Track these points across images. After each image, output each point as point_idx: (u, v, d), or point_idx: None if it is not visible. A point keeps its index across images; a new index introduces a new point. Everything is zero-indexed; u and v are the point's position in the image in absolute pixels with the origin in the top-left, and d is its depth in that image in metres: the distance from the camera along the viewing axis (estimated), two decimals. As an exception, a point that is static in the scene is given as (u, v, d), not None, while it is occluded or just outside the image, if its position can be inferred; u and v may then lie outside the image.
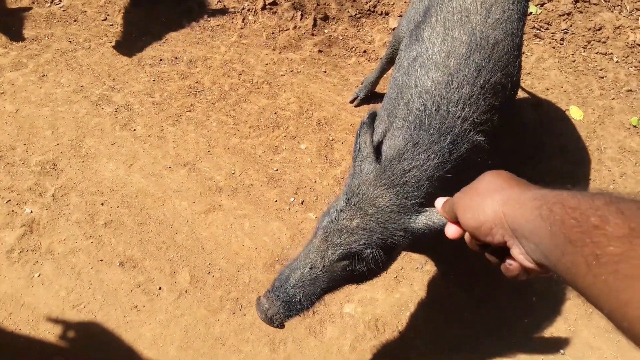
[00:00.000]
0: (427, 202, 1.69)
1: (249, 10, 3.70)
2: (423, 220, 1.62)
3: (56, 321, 2.34)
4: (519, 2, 2.23)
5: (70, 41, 3.38)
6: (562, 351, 2.40)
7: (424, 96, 1.92)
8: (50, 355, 2.26)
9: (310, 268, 1.66)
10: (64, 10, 3.55)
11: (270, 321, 1.66)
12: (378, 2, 3.86)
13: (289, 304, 1.67)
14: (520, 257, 0.80)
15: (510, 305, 2.55)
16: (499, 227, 0.80)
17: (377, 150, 1.78)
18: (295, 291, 1.67)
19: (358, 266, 1.68)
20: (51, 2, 3.58)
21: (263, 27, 3.63)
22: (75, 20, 3.51)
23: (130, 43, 3.39)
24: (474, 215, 0.85)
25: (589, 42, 3.78)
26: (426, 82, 1.96)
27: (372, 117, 1.73)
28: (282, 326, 1.70)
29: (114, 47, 3.35)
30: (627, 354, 2.43)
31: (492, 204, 0.81)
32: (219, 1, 3.71)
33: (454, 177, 1.80)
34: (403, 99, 1.99)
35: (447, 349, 2.43)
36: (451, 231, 0.99)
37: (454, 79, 1.94)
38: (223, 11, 3.66)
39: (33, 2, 3.56)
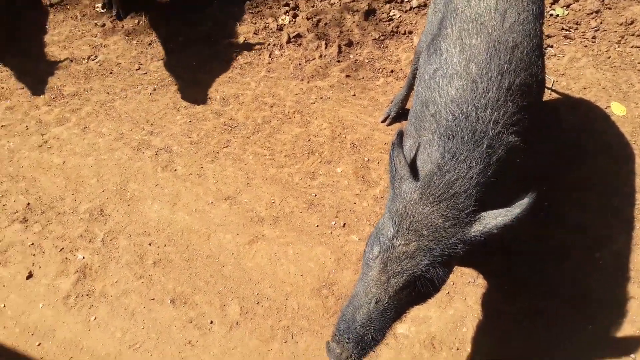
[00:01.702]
0: (479, 208, 1.69)
1: (274, 45, 3.83)
2: (478, 228, 1.62)
3: (114, 362, 2.41)
4: (533, 3, 2.24)
5: (108, 92, 3.57)
6: (632, 355, 2.29)
7: (450, 106, 1.93)
8: (110, 397, 2.32)
9: (376, 302, 1.64)
10: (100, 65, 3.76)
11: None
12: (400, 22, 3.93)
13: (361, 343, 1.65)
14: None
15: (570, 314, 2.46)
16: None
17: (413, 167, 1.80)
18: (365, 330, 1.65)
19: (423, 289, 1.67)
20: (88, 59, 3.81)
21: (290, 60, 3.74)
22: (111, 73, 3.71)
23: (165, 89, 3.56)
24: None
25: (622, 37, 3.72)
26: (450, 91, 1.98)
27: (400, 135, 1.75)
28: None
29: (150, 93, 3.52)
30: None
31: None
32: (246, 40, 3.86)
33: (499, 179, 1.79)
34: (429, 111, 2.00)
35: (509, 363, 2.35)
36: None
37: (479, 85, 1.95)
38: (250, 48, 3.80)
39: (71, 61, 3.79)
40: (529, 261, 2.61)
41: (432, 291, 1.72)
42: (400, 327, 2.45)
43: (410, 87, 3.19)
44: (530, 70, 2.11)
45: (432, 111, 1.98)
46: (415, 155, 1.86)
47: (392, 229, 1.64)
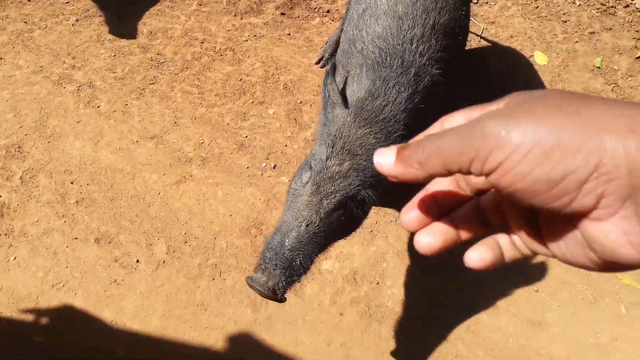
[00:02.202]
0: (408, 134, 1.72)
1: (206, -23, 3.62)
2: None
3: (36, 301, 2.35)
4: None
5: (26, 22, 3.29)
6: (535, 288, 2.48)
7: (376, 41, 1.95)
8: (31, 336, 2.28)
9: (307, 225, 1.55)
10: (15, -10, 3.44)
11: (273, 293, 1.51)
12: (338, -40, 3.80)
13: (289, 269, 1.53)
14: (611, 235, 0.46)
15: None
16: (603, 181, 0.45)
17: (343, 96, 1.80)
18: (294, 254, 1.55)
19: (355, 211, 1.63)
20: (1, -17, 3.46)
21: (222, -6, 3.56)
22: (29, 0, 3.40)
23: (88, 20, 3.31)
24: (564, 157, 0.45)
25: (551, -13, 3.78)
26: (377, 29, 1.99)
27: (334, 66, 1.73)
28: (284, 299, 1.55)
29: (72, 25, 3.27)
30: (597, 286, 2.52)
31: (617, 140, 0.44)
32: (176, -30, 3.62)
33: (424, 107, 1.83)
34: (356, 47, 2.00)
35: (424, 298, 2.49)
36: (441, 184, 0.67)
37: (404, 22, 1.98)
38: (180, -20, 3.58)
39: (-18, -16, 3.44)
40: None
41: (361, 215, 1.71)
42: (325, 264, 2.52)
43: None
44: (453, 14, 2.13)
45: (359, 47, 1.98)
46: (344, 87, 1.86)
47: (325, 151, 1.61)
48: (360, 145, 1.61)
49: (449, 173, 0.52)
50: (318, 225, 1.57)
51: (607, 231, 0.47)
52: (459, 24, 2.20)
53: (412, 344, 2.39)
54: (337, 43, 3.22)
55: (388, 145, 1.63)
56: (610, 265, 0.49)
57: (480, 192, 0.64)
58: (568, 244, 0.52)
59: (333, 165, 1.59)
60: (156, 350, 2.30)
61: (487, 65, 3.29)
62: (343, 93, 1.78)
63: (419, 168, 0.53)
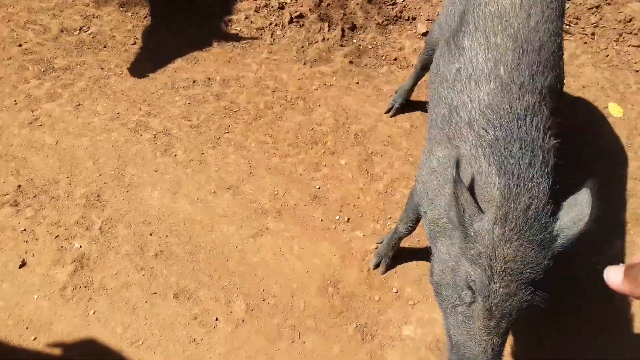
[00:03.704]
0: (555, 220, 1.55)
1: (276, 25, 3.54)
2: (561, 242, 1.46)
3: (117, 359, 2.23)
4: (557, 0, 2.07)
5: (102, 68, 3.25)
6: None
7: (487, 113, 1.76)
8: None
9: (492, 349, 1.48)
10: (92, 37, 3.41)
11: None
12: (404, 7, 3.69)
13: None
14: None
15: (574, 320, 2.40)
16: None
17: (472, 193, 1.61)
18: None
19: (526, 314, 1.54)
20: (80, 30, 3.44)
21: (292, 42, 3.47)
22: (104, 46, 3.37)
23: (163, 66, 3.26)
24: None
25: (620, 35, 3.58)
26: (482, 96, 1.81)
27: (458, 165, 1.55)
28: None
29: (148, 71, 3.22)
30: None
31: None
32: (246, 17, 3.55)
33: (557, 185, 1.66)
34: (462, 118, 1.83)
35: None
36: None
37: (512, 89, 1.79)
38: (251, 27, 3.51)
39: (62, 31, 3.42)
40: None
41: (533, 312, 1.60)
42: (406, 329, 2.34)
43: (417, 79, 2.99)
44: (555, 72, 1.96)
45: (466, 118, 1.80)
46: (458, 168, 1.66)
47: (485, 276, 1.44)
48: (520, 260, 1.43)
49: None
50: (500, 344, 1.49)
51: None
52: (559, 81, 2.04)
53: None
54: (407, 93, 3.08)
55: (547, 251, 1.48)
56: None
57: None
58: None
59: (500, 288, 1.42)
60: (236, 416, 2.15)
61: (562, 118, 3.10)
62: (471, 188, 1.58)
63: None
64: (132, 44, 3.38)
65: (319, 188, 2.80)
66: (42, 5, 3.56)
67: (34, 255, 2.51)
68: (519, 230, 1.47)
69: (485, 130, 1.73)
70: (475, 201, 1.53)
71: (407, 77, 3.24)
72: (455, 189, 1.50)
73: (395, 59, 3.44)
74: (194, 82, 3.19)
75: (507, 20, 1.93)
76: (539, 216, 1.49)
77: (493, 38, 1.91)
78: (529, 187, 1.55)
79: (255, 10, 3.60)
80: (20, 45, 3.34)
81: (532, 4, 1.96)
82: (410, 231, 2.33)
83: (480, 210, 1.52)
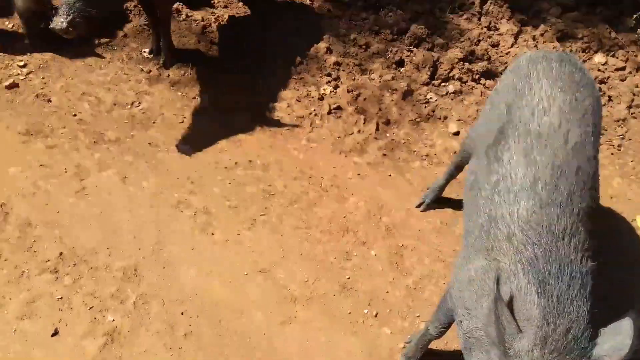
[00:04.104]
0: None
1: (315, 114, 3.74)
2: None
3: None
4: (594, 124, 2.18)
5: (150, 143, 3.42)
6: None
7: (526, 229, 1.82)
8: None
9: None
10: (143, 113, 3.62)
11: None
12: (436, 106, 3.88)
13: None
14: None
15: None
16: None
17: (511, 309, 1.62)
18: None
19: None
20: (132, 104, 3.67)
21: (330, 131, 3.64)
22: (154, 123, 3.57)
23: (208, 146, 3.42)
24: None
25: (646, 149, 3.70)
26: (520, 211, 1.88)
27: (498, 281, 1.60)
28: None
29: (193, 149, 3.39)
30: None
31: None
32: (289, 106, 3.76)
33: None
34: (501, 230, 1.89)
35: None
36: None
37: (551, 209, 1.85)
38: (292, 115, 3.70)
39: (115, 105, 3.65)
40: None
41: None
42: None
43: (449, 178, 3.09)
44: (591, 193, 2.03)
45: (505, 232, 1.86)
46: (498, 285, 1.69)
47: None
48: None
49: None
50: None
51: None
52: (595, 202, 2.10)
53: None
54: (439, 190, 3.18)
55: None
56: None
57: None
58: None
59: None
60: None
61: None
62: (510, 303, 1.63)
63: None
64: (180, 122, 3.58)
65: (349, 278, 2.84)
66: (99, 78, 3.82)
67: (67, 325, 2.54)
68: (558, 353, 1.49)
69: (525, 247, 1.79)
70: (515, 320, 1.56)
71: (440, 174, 3.36)
72: (495, 307, 1.54)
73: (427, 155, 3.57)
74: (235, 163, 3.33)
75: (546, 141, 2.03)
76: (579, 340, 1.52)
77: (532, 156, 2.00)
78: (569, 309, 1.58)
79: (297, 100, 3.81)
80: (75, 115, 3.55)
81: (571, 127, 2.06)
82: (440, 334, 2.33)
83: (519, 330, 1.54)
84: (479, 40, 4.32)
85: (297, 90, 3.89)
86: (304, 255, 2.92)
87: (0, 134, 3.36)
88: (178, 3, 4.27)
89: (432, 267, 2.92)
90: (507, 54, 4.23)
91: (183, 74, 3.90)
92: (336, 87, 3.93)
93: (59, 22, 2.69)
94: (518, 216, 1.87)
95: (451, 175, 3.08)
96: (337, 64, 4.05)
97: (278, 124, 3.62)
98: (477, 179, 2.23)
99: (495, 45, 4.33)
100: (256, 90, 3.83)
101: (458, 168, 2.99)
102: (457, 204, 3.22)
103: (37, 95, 3.64)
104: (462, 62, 4.09)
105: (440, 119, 3.82)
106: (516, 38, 4.36)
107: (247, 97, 3.78)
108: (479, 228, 2.04)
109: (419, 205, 3.23)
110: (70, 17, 2.67)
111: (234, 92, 3.81)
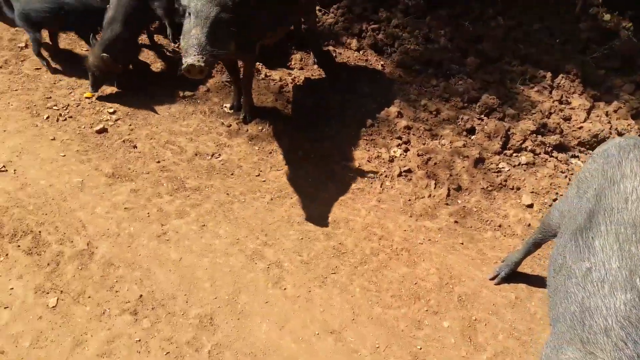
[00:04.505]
0: None
1: (386, 175, 3.79)
2: None
3: None
4: None
5: (227, 193, 3.54)
6: None
7: (626, 325, 1.75)
8: None
9: None
10: (222, 164, 3.78)
11: None
12: (509, 176, 3.86)
13: None
14: None
15: None
16: None
17: None
18: None
19: None
20: (212, 155, 3.83)
21: (400, 194, 3.67)
22: (232, 174, 3.71)
23: (281, 200, 3.51)
24: None
25: None
26: (618, 305, 1.80)
27: None
28: None
29: (267, 202, 3.48)
30: None
31: None
32: (360, 165, 3.83)
33: None
34: (597, 323, 1.81)
35: None
36: None
37: None
38: (363, 175, 3.77)
39: (196, 155, 3.82)
40: None
41: None
42: None
43: (526, 254, 3.02)
44: None
45: (602, 325, 1.79)
46: None
47: None
48: None
49: None
50: None
51: None
52: None
53: None
54: (515, 264, 3.11)
55: None
56: None
57: None
58: None
59: None
60: None
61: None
62: None
63: None
64: (257, 176, 3.70)
65: (420, 349, 2.78)
66: (182, 129, 4.03)
67: (142, 369, 2.58)
68: None
69: (625, 344, 1.71)
70: None
71: (513, 246, 3.30)
72: None
73: (499, 226, 3.53)
74: (306, 218, 3.39)
75: None
76: None
77: (627, 246, 1.93)
78: None
79: (367, 160, 3.89)
80: (158, 162, 3.74)
81: None
82: None
83: None
84: (551, 113, 4.33)
85: (368, 150, 3.98)
86: (374, 319, 2.89)
87: (90, 175, 3.57)
88: (258, 62, 4.52)
89: (507, 344, 2.82)
90: (579, 128, 4.21)
91: (261, 130, 4.06)
92: (406, 150, 4.00)
93: (192, 61, 2.84)
94: (615, 310, 1.80)
95: (528, 252, 3.02)
96: (408, 127, 4.14)
97: (349, 182, 3.69)
98: (566, 263, 2.18)
99: (567, 119, 4.32)
100: (328, 149, 3.94)
101: (536, 245, 2.93)
102: (531, 280, 3.16)
103: (124, 141, 3.87)
104: (534, 134, 4.09)
105: (512, 189, 3.79)
106: (588, 113, 4.36)
107: (318, 155, 3.89)
108: (570, 316, 1.97)
109: (492, 278, 3.17)
110: (204, 57, 2.85)
111: (307, 149, 3.93)
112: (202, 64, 2.83)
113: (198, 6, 2.92)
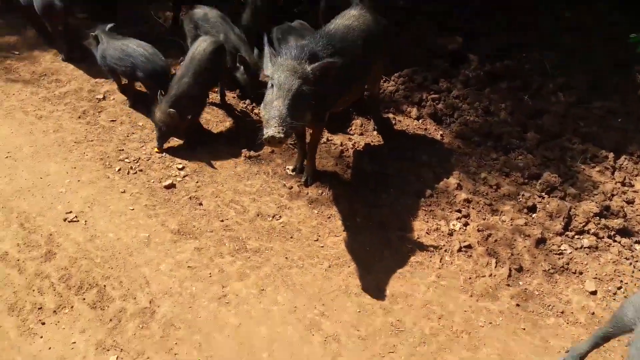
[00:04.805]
0: None
1: (445, 250, 3.74)
2: None
3: None
4: None
5: (286, 257, 3.57)
6: None
7: None
8: None
9: None
10: (282, 226, 3.82)
11: None
12: (571, 259, 3.75)
13: None
14: None
15: None
16: None
17: None
18: None
19: None
20: (273, 217, 3.89)
21: (460, 270, 3.61)
22: (291, 237, 3.74)
23: (339, 268, 3.51)
24: None
25: None
26: None
27: None
28: None
29: (325, 270, 3.48)
30: None
31: None
32: (418, 237, 3.81)
33: None
34: None
35: None
36: None
37: None
38: (422, 247, 3.73)
39: (258, 215, 3.89)
40: None
41: None
42: None
43: (594, 346, 2.88)
44: None
45: None
46: None
47: None
48: None
49: None
50: None
51: None
52: None
53: None
54: (580, 357, 2.97)
55: None
56: None
57: None
58: None
59: None
60: None
61: None
62: None
63: None
64: (315, 240, 3.72)
65: None
66: (246, 188, 4.13)
67: None
68: None
69: None
70: None
71: (576, 335, 3.17)
72: None
73: (562, 312, 3.40)
74: (364, 290, 3.36)
75: None
76: None
77: None
78: None
79: (426, 232, 3.86)
80: (222, 220, 3.82)
81: None
82: None
83: None
84: (613, 195, 4.22)
85: (427, 222, 3.95)
86: (434, 405, 2.78)
87: (156, 231, 3.68)
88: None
89: None
90: (645, 213, 4.08)
91: (320, 193, 4.12)
92: (466, 224, 3.95)
93: (273, 133, 2.90)
94: None
95: (596, 344, 2.88)
96: (467, 201, 4.11)
97: (407, 254, 3.66)
98: None
99: (630, 202, 4.20)
100: (386, 215, 3.94)
101: (606, 339, 2.80)
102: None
103: (190, 197, 3.99)
104: (597, 217, 3.98)
105: (574, 273, 3.66)
106: (654, 197, 4.22)
107: (376, 222, 3.89)
108: None
109: (557, 370, 3.02)
110: (284, 129, 2.93)
111: (365, 215, 3.94)
112: (282, 136, 2.91)
113: (282, 78, 3.05)
